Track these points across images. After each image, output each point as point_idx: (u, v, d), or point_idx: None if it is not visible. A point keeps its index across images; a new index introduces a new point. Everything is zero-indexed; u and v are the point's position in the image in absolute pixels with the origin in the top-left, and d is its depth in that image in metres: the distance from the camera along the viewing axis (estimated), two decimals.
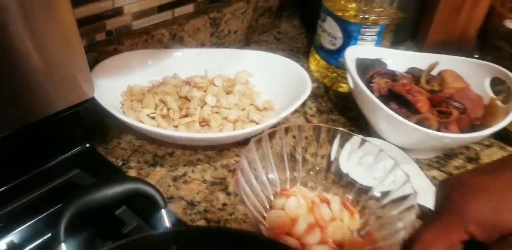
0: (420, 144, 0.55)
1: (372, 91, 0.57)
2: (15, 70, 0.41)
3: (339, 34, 0.68)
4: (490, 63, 0.61)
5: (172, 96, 0.58)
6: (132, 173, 0.55)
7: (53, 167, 0.50)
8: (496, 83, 0.61)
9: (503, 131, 0.62)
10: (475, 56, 0.78)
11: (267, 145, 0.50)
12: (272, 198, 0.50)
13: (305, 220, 0.45)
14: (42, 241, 0.42)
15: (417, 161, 0.58)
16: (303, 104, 0.69)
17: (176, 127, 0.56)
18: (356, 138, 0.50)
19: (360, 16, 0.66)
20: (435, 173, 0.58)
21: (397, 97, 0.56)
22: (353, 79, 0.58)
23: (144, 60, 0.63)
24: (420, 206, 0.48)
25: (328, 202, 0.47)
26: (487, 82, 0.60)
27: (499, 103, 0.56)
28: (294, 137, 0.52)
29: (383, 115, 0.54)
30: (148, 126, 0.53)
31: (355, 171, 0.51)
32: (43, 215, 0.44)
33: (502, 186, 0.30)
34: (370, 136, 0.60)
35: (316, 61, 0.76)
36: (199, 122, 0.57)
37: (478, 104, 0.55)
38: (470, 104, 0.54)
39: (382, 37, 0.67)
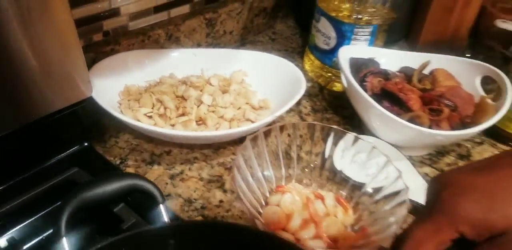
0: (412, 141, 0.56)
1: (365, 90, 0.58)
2: (13, 71, 0.41)
3: (333, 34, 0.69)
4: (481, 62, 0.62)
5: (169, 96, 0.59)
6: (130, 171, 0.56)
7: (52, 165, 0.50)
8: (487, 82, 0.62)
9: (494, 128, 0.64)
10: (467, 55, 0.79)
11: (263, 143, 0.51)
12: (267, 194, 0.51)
13: (300, 215, 0.46)
14: (43, 238, 0.43)
15: (410, 158, 0.59)
16: (298, 103, 0.70)
17: (173, 125, 0.57)
18: (350, 136, 0.51)
19: (354, 16, 0.67)
20: (427, 169, 0.59)
21: (389, 96, 0.57)
22: (347, 79, 0.59)
23: (141, 60, 0.64)
24: (412, 201, 0.49)
25: (322, 198, 0.48)
26: (478, 81, 0.61)
27: (489, 101, 0.57)
28: (289, 135, 0.53)
29: (376, 113, 0.55)
30: (145, 124, 0.54)
31: (348, 168, 0.52)
32: (43, 212, 0.45)
33: (493, 186, 0.30)
34: (363, 133, 0.61)
35: (310, 61, 0.77)
36: (196, 121, 0.58)
37: (468, 102, 0.57)
38: (461, 102, 0.56)
39: (375, 37, 0.68)
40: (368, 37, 0.68)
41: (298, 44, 0.86)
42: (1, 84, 0.41)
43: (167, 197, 0.52)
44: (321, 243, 0.43)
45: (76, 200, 0.32)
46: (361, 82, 0.59)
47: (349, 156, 0.52)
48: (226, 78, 0.66)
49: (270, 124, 0.56)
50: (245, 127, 0.54)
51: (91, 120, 0.60)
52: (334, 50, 0.70)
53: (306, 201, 0.48)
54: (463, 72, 0.62)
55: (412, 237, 0.31)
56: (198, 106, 0.59)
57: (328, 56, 0.72)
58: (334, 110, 0.70)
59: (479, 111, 0.56)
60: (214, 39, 0.77)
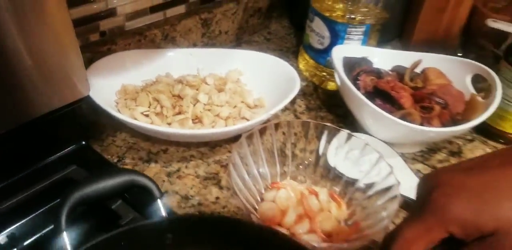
0: (404, 138, 0.57)
1: (358, 88, 0.59)
2: (11, 70, 0.42)
3: (326, 33, 0.70)
4: (472, 61, 0.63)
5: (165, 95, 0.60)
6: None
7: (51, 163, 0.51)
8: (478, 81, 0.63)
9: (484, 125, 0.65)
10: (459, 54, 0.80)
11: (258, 141, 0.52)
12: (263, 191, 0.52)
13: (295, 211, 0.47)
14: (42, 234, 0.44)
15: (402, 155, 0.60)
16: (293, 102, 0.71)
17: (169, 124, 0.58)
18: (343, 133, 0.52)
19: (347, 16, 0.68)
20: (420, 166, 0.60)
21: (382, 94, 0.58)
22: (340, 77, 0.60)
23: (138, 60, 0.65)
24: (403, 196, 0.50)
25: (316, 194, 0.50)
26: (468, 79, 0.62)
27: (479, 98, 0.58)
28: (283, 133, 0.54)
29: (368, 111, 0.56)
30: (142, 122, 0.55)
31: (342, 165, 0.53)
32: (42, 209, 0.46)
33: (483, 187, 0.30)
34: (357, 131, 0.62)
35: (305, 61, 0.78)
36: (192, 119, 0.59)
37: (459, 99, 0.58)
38: (452, 100, 0.57)
39: (368, 36, 0.70)
40: (361, 36, 0.69)
41: (292, 44, 0.87)
42: (2, 84, 0.42)
43: (164, 194, 0.53)
44: (316, 237, 0.44)
45: (76, 195, 0.33)
46: (354, 80, 0.60)
47: (342, 153, 0.53)
48: (221, 77, 0.67)
49: (265, 122, 0.57)
50: (240, 125, 0.55)
51: (88, 120, 0.61)
52: (328, 50, 0.71)
53: (301, 197, 0.49)
54: (454, 70, 0.63)
55: (403, 236, 0.31)
56: (194, 105, 0.60)
57: (322, 55, 0.73)
58: (328, 108, 0.71)
59: (469, 109, 0.57)
60: (210, 39, 0.78)
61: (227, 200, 0.54)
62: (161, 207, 0.35)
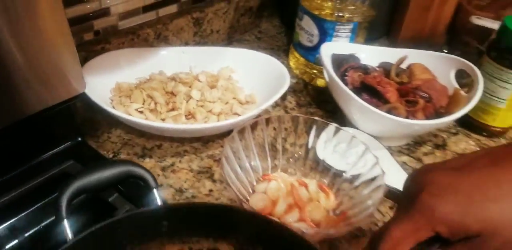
0: (390, 131, 0.60)
1: (346, 84, 0.61)
2: (7, 69, 0.43)
3: (315, 31, 0.72)
4: (455, 57, 0.65)
5: (159, 92, 0.61)
6: None
7: (48, 159, 0.53)
8: (463, 76, 0.66)
9: (468, 119, 0.67)
10: (444, 51, 0.82)
11: (250, 136, 0.54)
12: (255, 183, 0.54)
13: (285, 201, 0.49)
14: (42, 226, 0.45)
15: (389, 148, 0.62)
16: (284, 98, 0.73)
17: (163, 120, 0.59)
18: (331, 127, 0.54)
19: (335, 14, 0.70)
20: (405, 158, 0.62)
21: (368, 89, 0.60)
22: (329, 73, 0.62)
23: (131, 58, 0.66)
24: (389, 187, 0.53)
25: (306, 185, 0.51)
26: (452, 74, 0.64)
27: (462, 93, 0.61)
28: (274, 128, 0.56)
29: (356, 105, 0.58)
30: (137, 118, 0.56)
31: (330, 157, 0.55)
32: (42, 202, 0.47)
33: (470, 188, 0.31)
34: (345, 126, 0.64)
35: (295, 58, 0.80)
36: (185, 115, 0.60)
37: (443, 94, 0.60)
38: (436, 94, 0.59)
39: (356, 34, 0.72)
40: (349, 34, 0.71)
41: (283, 43, 0.89)
42: None
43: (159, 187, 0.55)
44: (305, 226, 0.46)
45: (75, 185, 0.34)
46: (342, 76, 0.62)
47: (330, 146, 0.55)
48: (213, 74, 0.68)
49: (256, 117, 0.59)
50: (232, 120, 0.57)
51: (83, 117, 0.62)
52: (317, 47, 0.72)
53: (291, 188, 0.50)
54: (438, 66, 0.65)
55: (391, 235, 0.32)
56: (187, 101, 0.61)
57: (311, 53, 0.75)
58: (317, 105, 0.73)
59: (452, 103, 0.60)
60: (202, 38, 0.80)
61: (220, 192, 0.55)
62: (157, 196, 0.37)
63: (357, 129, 0.63)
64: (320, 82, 0.76)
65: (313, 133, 0.56)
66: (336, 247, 0.49)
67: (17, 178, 0.50)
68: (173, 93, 0.62)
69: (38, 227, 0.46)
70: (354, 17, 0.70)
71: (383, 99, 0.59)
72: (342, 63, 0.65)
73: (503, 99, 0.63)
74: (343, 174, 0.53)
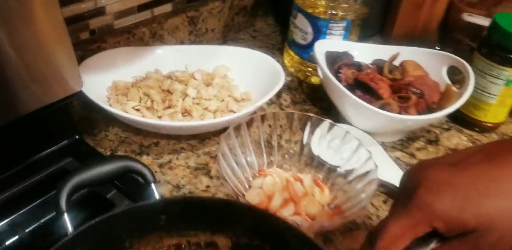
0: (383, 127, 0.61)
1: (340, 81, 0.62)
2: (5, 67, 0.44)
3: (309, 29, 0.73)
4: (447, 53, 0.66)
5: (155, 90, 0.62)
6: None
7: (47, 156, 0.53)
8: (455, 73, 0.67)
9: (460, 114, 0.68)
10: (437, 48, 0.84)
11: (246, 133, 0.55)
12: (251, 179, 0.54)
13: (281, 196, 0.50)
14: (42, 222, 0.46)
15: (382, 144, 0.63)
16: (279, 96, 0.74)
17: (160, 117, 0.60)
18: (326, 124, 0.55)
19: (329, 12, 0.71)
20: (399, 154, 0.63)
21: (362, 85, 0.61)
22: (322, 71, 0.63)
23: (127, 57, 0.67)
24: (382, 181, 0.54)
25: (301, 180, 0.52)
26: (444, 71, 0.65)
27: (454, 88, 0.62)
28: (270, 125, 0.57)
29: (350, 102, 0.59)
30: (134, 115, 0.57)
31: (325, 153, 0.56)
32: (41, 198, 0.48)
33: (467, 184, 0.31)
34: (339, 122, 0.65)
35: (290, 57, 0.81)
36: (182, 113, 0.61)
37: (435, 90, 0.61)
38: (428, 90, 0.60)
39: (349, 32, 0.72)
40: (343, 32, 0.72)
41: (277, 41, 0.89)
42: None
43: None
44: (300, 218, 0.47)
45: (75, 180, 0.35)
46: (336, 73, 0.63)
47: (325, 142, 0.56)
48: (209, 73, 0.69)
49: (251, 114, 0.59)
50: (228, 117, 0.58)
51: (80, 116, 0.63)
52: (311, 45, 0.73)
53: (286, 183, 0.51)
54: (430, 62, 0.66)
55: (389, 232, 0.32)
56: (183, 99, 0.62)
57: (305, 50, 0.76)
58: (312, 102, 0.74)
59: (444, 98, 0.61)
60: (197, 37, 0.81)
61: (217, 188, 0.56)
62: (155, 191, 0.38)
63: (351, 125, 0.64)
64: (314, 79, 0.77)
65: (307, 129, 0.57)
66: (330, 240, 0.50)
67: (17, 175, 0.50)
68: (169, 91, 0.63)
69: (38, 223, 0.46)
70: (347, 15, 0.71)
71: (376, 95, 0.60)
72: (336, 61, 0.66)
73: (494, 95, 0.64)
74: (337, 169, 0.53)
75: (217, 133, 0.63)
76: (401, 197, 0.33)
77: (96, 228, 0.33)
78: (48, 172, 0.51)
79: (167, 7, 0.75)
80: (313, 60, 0.73)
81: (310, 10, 0.72)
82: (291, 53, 0.79)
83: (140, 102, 0.62)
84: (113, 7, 0.67)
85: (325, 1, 0.71)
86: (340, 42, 0.71)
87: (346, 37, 0.73)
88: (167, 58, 0.69)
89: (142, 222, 0.36)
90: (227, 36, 0.88)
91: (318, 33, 0.72)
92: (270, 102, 0.72)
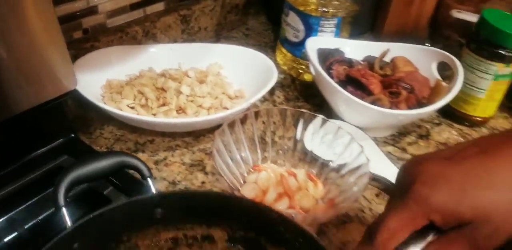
0: (375, 122, 0.62)
1: (332, 77, 0.63)
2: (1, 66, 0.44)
3: (301, 27, 0.73)
4: (436, 49, 0.68)
5: (149, 88, 0.63)
6: None
7: (43, 154, 0.54)
8: (445, 69, 0.68)
9: (450, 109, 0.70)
10: (427, 44, 0.85)
11: (240, 130, 0.56)
12: (246, 174, 0.55)
13: (275, 190, 0.50)
14: (40, 218, 0.47)
15: (374, 139, 0.64)
16: (272, 93, 0.75)
17: (154, 115, 0.61)
18: (318, 119, 0.56)
19: (320, 10, 0.72)
20: (390, 148, 0.65)
21: (353, 81, 0.62)
22: (314, 67, 0.64)
23: (121, 55, 0.67)
24: (374, 174, 0.55)
25: (295, 175, 0.53)
26: (434, 66, 0.67)
27: (443, 84, 0.63)
28: (263, 122, 0.58)
29: (342, 98, 0.60)
30: (129, 113, 0.57)
31: (318, 148, 0.56)
32: (39, 195, 0.48)
33: (462, 177, 0.31)
34: (332, 119, 0.66)
35: (282, 54, 0.81)
36: (176, 110, 0.61)
37: (425, 85, 0.62)
38: (418, 85, 0.61)
39: (340, 29, 0.73)
40: (334, 29, 0.73)
41: (270, 39, 0.90)
42: None
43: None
44: (294, 211, 0.48)
45: (72, 175, 0.35)
46: (328, 70, 0.64)
47: (318, 137, 0.57)
48: (202, 71, 0.70)
49: (245, 111, 0.60)
50: (222, 113, 0.58)
51: (75, 114, 0.63)
52: (303, 42, 0.74)
53: (280, 178, 0.52)
54: (420, 58, 0.67)
55: (387, 226, 0.32)
56: (177, 96, 0.63)
57: (298, 48, 0.77)
58: (305, 99, 0.75)
59: (434, 93, 0.62)
60: (190, 36, 0.81)
61: (212, 184, 0.57)
62: (151, 185, 0.38)
63: (344, 121, 0.65)
64: (307, 76, 0.78)
65: (300, 125, 0.57)
66: (324, 233, 0.51)
67: (13, 173, 0.51)
68: (163, 89, 0.64)
69: (36, 220, 0.47)
70: (338, 12, 0.72)
71: (367, 91, 0.61)
72: (328, 57, 0.67)
73: (483, 90, 0.65)
74: (330, 163, 0.54)
75: (211, 130, 0.64)
76: (397, 192, 0.34)
77: (94, 222, 0.33)
78: (45, 169, 0.52)
79: (159, 6, 0.75)
80: (305, 57, 0.74)
81: (301, 8, 0.73)
82: (284, 51, 0.80)
83: (134, 100, 0.62)
84: (105, 6, 0.67)
85: None
86: (331, 39, 0.72)
87: (338, 34, 0.74)
88: (161, 56, 0.69)
89: (139, 216, 0.36)
90: (219, 34, 0.88)
91: (310, 30, 0.73)
92: (264, 100, 0.73)
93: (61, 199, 0.34)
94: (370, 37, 0.91)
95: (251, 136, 0.57)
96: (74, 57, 0.63)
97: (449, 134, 0.69)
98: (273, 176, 0.52)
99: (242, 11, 0.91)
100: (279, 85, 0.77)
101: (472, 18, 0.76)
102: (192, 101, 0.63)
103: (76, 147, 0.57)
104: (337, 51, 0.69)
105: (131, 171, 0.54)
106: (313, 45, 0.68)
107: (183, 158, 0.61)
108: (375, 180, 0.57)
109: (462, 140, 0.68)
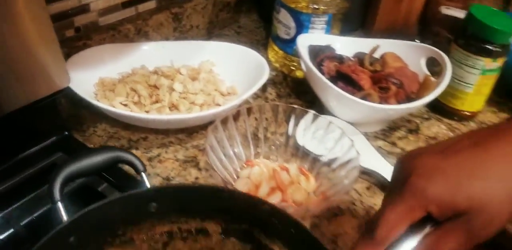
0: (365, 117, 0.62)
1: (323, 73, 0.64)
2: None
3: (292, 24, 0.74)
4: (425, 45, 0.69)
5: (142, 85, 0.63)
6: None
7: (37, 152, 0.54)
8: (434, 64, 0.69)
9: (439, 104, 0.71)
10: (416, 41, 0.86)
11: (233, 126, 0.56)
12: (239, 170, 0.56)
13: (268, 184, 0.51)
14: (36, 215, 0.47)
15: (365, 134, 0.65)
16: (264, 90, 0.76)
17: (147, 112, 0.61)
18: (310, 115, 0.57)
19: (311, 6, 0.72)
20: (381, 143, 0.66)
21: (344, 77, 0.63)
22: (306, 64, 0.65)
23: (113, 53, 0.67)
24: (364, 168, 0.56)
25: (287, 169, 0.54)
26: (423, 62, 0.68)
27: (432, 79, 0.64)
28: (256, 119, 0.59)
29: (333, 93, 0.61)
30: (122, 110, 0.58)
31: (309, 144, 0.57)
32: (35, 192, 0.49)
33: (456, 169, 0.32)
34: (323, 114, 0.67)
35: (274, 51, 0.82)
36: (169, 107, 0.62)
37: (414, 80, 0.63)
38: (407, 80, 0.62)
39: (331, 26, 0.74)
40: (324, 26, 0.74)
41: (262, 37, 0.91)
42: None
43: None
44: (286, 205, 0.49)
45: (67, 170, 0.36)
46: (319, 66, 0.65)
47: (309, 133, 0.58)
48: (195, 68, 0.70)
49: (237, 107, 0.61)
50: (214, 110, 0.59)
51: (68, 113, 0.64)
52: (294, 39, 0.74)
53: (273, 172, 0.53)
54: (409, 54, 0.68)
55: (386, 219, 0.33)
56: (170, 94, 0.63)
57: (289, 45, 0.77)
58: (297, 95, 0.75)
59: (423, 88, 0.63)
60: (182, 33, 0.82)
61: (206, 179, 0.58)
62: (145, 179, 0.39)
63: (335, 116, 0.65)
64: (299, 73, 0.79)
65: (292, 121, 0.58)
66: (316, 225, 0.52)
67: (7, 171, 0.51)
68: (156, 87, 0.64)
69: (31, 217, 0.47)
70: (329, 9, 0.73)
71: (358, 86, 0.62)
72: (318, 54, 0.68)
73: (471, 84, 0.66)
74: (322, 158, 0.55)
75: (204, 126, 0.65)
76: (394, 187, 0.35)
77: (89, 216, 0.34)
78: (39, 166, 0.52)
79: (151, 4, 0.76)
80: (296, 54, 0.74)
81: (292, 5, 0.73)
82: (275, 48, 0.81)
83: (127, 97, 0.62)
84: (97, 4, 0.68)
85: None
86: (322, 36, 0.73)
87: (328, 31, 0.75)
88: (153, 54, 0.70)
89: (134, 210, 0.37)
90: (211, 32, 0.89)
91: (301, 27, 0.73)
92: (256, 97, 0.74)
93: (57, 194, 0.35)
94: (361, 34, 0.92)
95: (244, 132, 0.58)
96: (67, 56, 0.63)
97: (438, 128, 0.70)
98: (265, 170, 0.53)
99: (233, 9, 0.91)
100: (271, 82, 0.77)
101: (461, 14, 0.77)
102: (184, 98, 0.63)
103: (70, 144, 0.57)
104: (327, 47, 0.70)
105: (125, 168, 0.55)
106: (304, 42, 0.69)
107: (177, 154, 0.61)
108: (366, 173, 0.58)
109: (451, 134, 0.69)
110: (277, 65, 0.81)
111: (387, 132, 0.68)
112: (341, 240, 0.50)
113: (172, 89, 0.63)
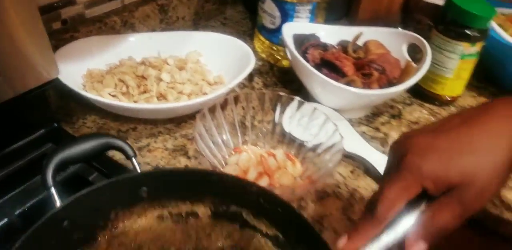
0: (350, 103, 0.64)
1: (308, 61, 0.65)
2: None
3: (277, 13, 0.75)
4: (406, 31, 0.70)
5: (130, 76, 0.64)
6: None
7: (27, 143, 0.55)
8: (416, 51, 0.71)
9: (420, 89, 0.73)
10: (399, 28, 0.88)
11: (220, 115, 0.58)
12: (227, 157, 0.57)
13: (255, 169, 0.53)
14: (29, 205, 0.48)
15: (349, 120, 0.66)
16: (251, 80, 0.77)
17: (136, 102, 0.62)
18: (295, 102, 0.58)
19: None
20: (364, 128, 0.67)
21: (328, 64, 0.64)
22: (291, 52, 0.66)
23: (101, 45, 0.68)
24: (347, 152, 0.57)
25: (274, 155, 0.56)
26: (404, 48, 0.69)
27: (413, 64, 0.66)
28: (243, 107, 0.60)
29: (317, 80, 0.62)
30: (111, 100, 0.59)
31: (295, 130, 0.59)
32: (27, 182, 0.50)
33: (448, 145, 0.34)
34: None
35: (260, 42, 0.83)
36: (157, 97, 0.63)
37: (396, 66, 0.65)
38: (389, 66, 0.64)
39: (315, 15, 0.76)
40: (309, 15, 0.75)
41: (248, 28, 0.92)
42: None
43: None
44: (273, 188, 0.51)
45: (59, 156, 0.37)
46: (304, 54, 0.66)
47: (295, 120, 0.59)
48: (182, 58, 0.71)
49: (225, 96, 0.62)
50: (202, 98, 0.60)
51: (57, 105, 0.64)
52: (279, 29, 0.75)
53: (260, 158, 0.54)
54: (392, 41, 0.70)
55: (386, 196, 0.35)
56: (158, 84, 0.64)
57: (275, 34, 0.78)
58: (283, 84, 0.77)
59: (405, 74, 0.65)
60: (168, 25, 0.82)
61: (195, 167, 0.59)
62: (136, 164, 0.40)
63: (320, 103, 0.67)
64: (285, 63, 0.80)
65: (278, 109, 0.60)
66: (303, 208, 0.53)
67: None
68: (143, 77, 0.65)
69: (24, 207, 0.48)
70: None
71: (341, 73, 0.63)
72: (303, 42, 0.69)
73: (450, 69, 0.68)
74: (307, 144, 0.57)
75: (192, 116, 0.66)
76: (391, 167, 0.37)
77: (82, 200, 0.35)
78: (29, 158, 0.53)
79: None
80: (282, 43, 0.76)
81: None
82: (261, 38, 0.82)
83: (115, 88, 0.63)
84: None
85: None
86: (307, 25, 0.74)
87: (313, 20, 0.76)
88: (140, 45, 0.71)
89: (125, 194, 0.38)
90: (198, 24, 0.89)
91: (286, 16, 0.75)
92: (243, 86, 0.75)
93: (49, 179, 0.36)
94: (345, 23, 0.93)
95: (232, 120, 0.59)
96: (55, 48, 0.63)
97: (420, 113, 0.72)
98: (253, 157, 0.55)
99: (219, 1, 0.92)
100: (258, 72, 0.79)
101: (441, 2, 0.78)
102: (172, 88, 0.64)
103: (60, 136, 0.58)
104: (312, 36, 0.71)
105: (116, 157, 0.56)
106: (289, 31, 0.70)
107: (166, 143, 0.62)
108: (350, 157, 0.60)
109: (432, 119, 0.71)
110: (263, 55, 0.83)
111: (370, 118, 0.70)
112: (327, 220, 0.52)
113: (159, 80, 0.64)
